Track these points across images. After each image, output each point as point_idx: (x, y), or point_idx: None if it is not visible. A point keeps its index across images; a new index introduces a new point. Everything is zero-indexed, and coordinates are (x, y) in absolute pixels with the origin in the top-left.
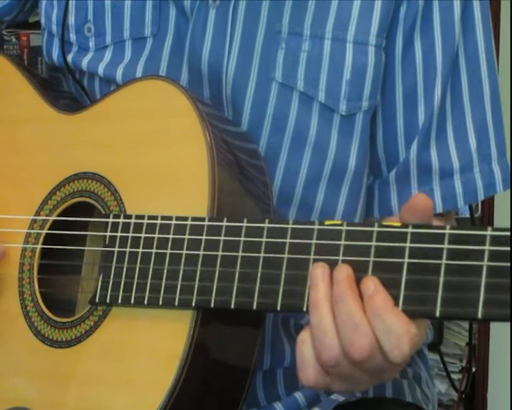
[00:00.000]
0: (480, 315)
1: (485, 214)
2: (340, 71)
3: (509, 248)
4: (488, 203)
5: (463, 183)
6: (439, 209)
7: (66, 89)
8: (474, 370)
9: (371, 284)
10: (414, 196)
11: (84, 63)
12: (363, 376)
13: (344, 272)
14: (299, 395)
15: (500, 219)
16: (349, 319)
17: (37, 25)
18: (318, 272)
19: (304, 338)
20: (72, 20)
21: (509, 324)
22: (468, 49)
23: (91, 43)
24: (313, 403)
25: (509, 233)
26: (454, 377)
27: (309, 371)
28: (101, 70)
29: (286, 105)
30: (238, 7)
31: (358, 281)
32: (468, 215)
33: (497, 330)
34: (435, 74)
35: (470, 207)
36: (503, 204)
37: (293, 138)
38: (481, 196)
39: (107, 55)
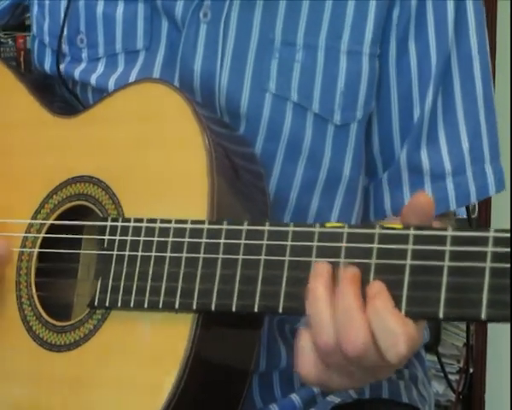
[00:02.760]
0: (483, 316)
1: (482, 215)
2: (333, 81)
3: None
4: (485, 204)
5: (456, 185)
6: None
7: (59, 93)
8: (471, 371)
9: (376, 286)
10: (415, 195)
11: (77, 73)
12: (358, 370)
13: (351, 270)
14: (295, 397)
15: (497, 219)
16: (346, 313)
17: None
18: (320, 265)
19: (304, 344)
20: (64, 30)
21: (506, 324)
22: (461, 51)
23: (84, 55)
24: (309, 405)
25: (510, 234)
26: (451, 377)
27: (307, 360)
28: (93, 80)
29: (280, 115)
30: (230, 19)
31: (361, 283)
32: (465, 216)
33: (495, 331)
34: (429, 77)
35: (467, 209)
36: (501, 205)
37: (288, 148)
38: (474, 199)
39: (100, 67)
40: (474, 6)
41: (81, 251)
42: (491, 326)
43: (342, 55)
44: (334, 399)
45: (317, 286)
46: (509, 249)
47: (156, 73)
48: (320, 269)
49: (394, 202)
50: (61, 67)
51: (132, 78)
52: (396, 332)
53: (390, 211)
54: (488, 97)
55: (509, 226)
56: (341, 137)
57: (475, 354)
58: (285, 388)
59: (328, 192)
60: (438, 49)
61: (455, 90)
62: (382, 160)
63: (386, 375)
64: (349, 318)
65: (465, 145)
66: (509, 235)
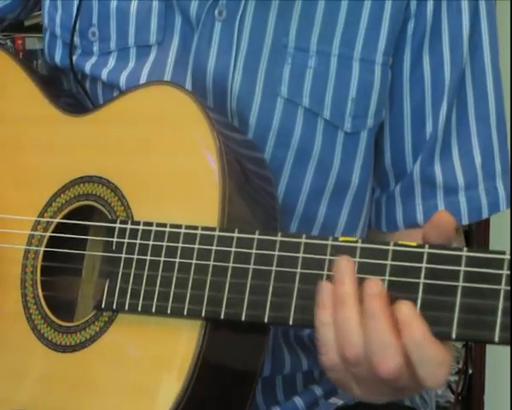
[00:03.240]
0: (496, 339)
1: (480, 229)
2: (345, 88)
3: None
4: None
5: (468, 200)
6: None
7: (66, 87)
8: (470, 372)
9: (407, 308)
10: (437, 213)
11: (88, 67)
12: (387, 389)
13: (378, 286)
14: (297, 400)
15: (496, 232)
16: (379, 336)
17: (32, 28)
18: (343, 265)
19: (324, 320)
20: (76, 23)
21: None
22: (476, 65)
23: (95, 48)
24: (312, 407)
25: None
26: (451, 378)
27: (330, 354)
28: (104, 75)
29: (291, 120)
30: (244, 20)
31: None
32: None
33: None
34: (443, 90)
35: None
36: (499, 218)
37: (297, 153)
38: (485, 214)
39: (111, 61)
40: (488, 20)
41: (88, 252)
42: None
43: (355, 62)
44: (337, 401)
45: (343, 293)
46: None
47: (168, 71)
48: (344, 271)
49: (406, 214)
50: (73, 59)
51: (144, 74)
52: (437, 362)
53: (402, 223)
54: (500, 113)
55: (507, 237)
56: (351, 144)
57: (474, 356)
58: (288, 391)
59: (336, 199)
60: (452, 62)
61: (468, 104)
62: (394, 172)
63: (413, 394)
64: (382, 341)
65: (478, 160)
66: None
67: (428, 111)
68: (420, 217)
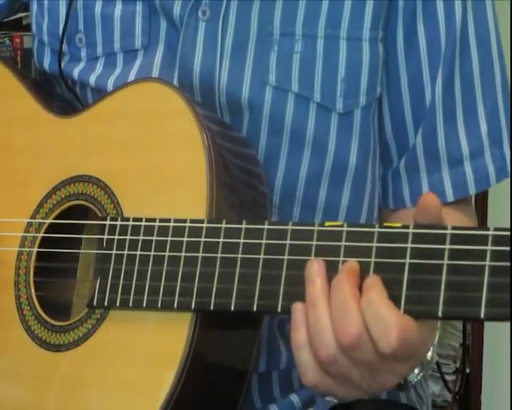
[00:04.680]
0: (482, 315)
1: (477, 210)
2: (334, 69)
3: (510, 248)
4: (482, 197)
5: (474, 169)
6: (450, 198)
7: (58, 91)
8: (467, 371)
9: (371, 279)
10: (422, 196)
11: (76, 73)
12: (359, 375)
13: (350, 264)
14: (294, 398)
15: (494, 213)
16: (342, 304)
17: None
18: (314, 268)
19: (299, 344)
20: (65, 31)
21: (503, 324)
22: (479, 31)
23: (83, 54)
24: (308, 405)
25: (509, 233)
26: (448, 378)
27: (309, 375)
28: (92, 81)
29: (282, 107)
30: (228, 17)
31: (361, 281)
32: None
33: (491, 331)
34: (439, 58)
35: None
36: (498, 197)
37: (292, 139)
38: (493, 181)
39: (99, 66)
40: None
41: (80, 251)
42: (487, 326)
43: (342, 42)
44: (333, 399)
45: (314, 294)
46: (508, 248)
47: (155, 74)
48: (315, 273)
49: (413, 190)
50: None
51: (131, 78)
52: (387, 322)
53: (409, 199)
54: (505, 79)
55: (507, 220)
56: (345, 125)
57: (472, 355)
58: (284, 388)
59: (336, 182)
60: (447, 29)
61: (474, 71)
62: (396, 145)
63: (391, 381)
64: (344, 309)
65: (483, 127)
66: (508, 233)
67: (426, 80)
68: (426, 192)
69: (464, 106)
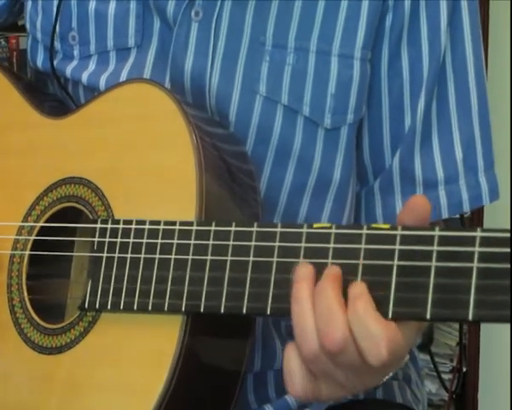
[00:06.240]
0: (470, 317)
1: (474, 215)
2: (324, 85)
3: (497, 249)
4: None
5: (448, 194)
6: None
7: (51, 91)
8: (464, 370)
9: (358, 288)
10: (413, 197)
11: (68, 71)
12: (343, 375)
13: (331, 269)
14: (289, 398)
15: (489, 218)
16: (326, 310)
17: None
18: (302, 271)
19: (293, 365)
20: (56, 27)
21: (498, 324)
22: (456, 58)
23: (76, 52)
24: (304, 405)
25: (498, 234)
26: (445, 377)
27: (295, 379)
28: (84, 78)
29: (270, 118)
30: (221, 20)
31: (348, 284)
32: (457, 216)
33: (488, 330)
34: (421, 83)
35: None
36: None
37: (278, 151)
38: (467, 208)
39: (92, 64)
40: (470, 11)
41: (72, 253)
42: (484, 326)
43: (333, 58)
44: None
45: (299, 295)
46: (497, 249)
47: (147, 72)
48: (303, 275)
49: (386, 209)
50: (54, 64)
51: (123, 76)
52: (376, 336)
53: (381, 219)
54: (483, 106)
55: (504, 221)
56: (331, 141)
57: (468, 354)
58: (279, 388)
59: (318, 196)
60: (430, 55)
61: (449, 96)
62: (373, 166)
63: (373, 382)
64: (329, 316)
65: (458, 154)
66: (496, 235)
67: (407, 105)
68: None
69: (440, 131)
